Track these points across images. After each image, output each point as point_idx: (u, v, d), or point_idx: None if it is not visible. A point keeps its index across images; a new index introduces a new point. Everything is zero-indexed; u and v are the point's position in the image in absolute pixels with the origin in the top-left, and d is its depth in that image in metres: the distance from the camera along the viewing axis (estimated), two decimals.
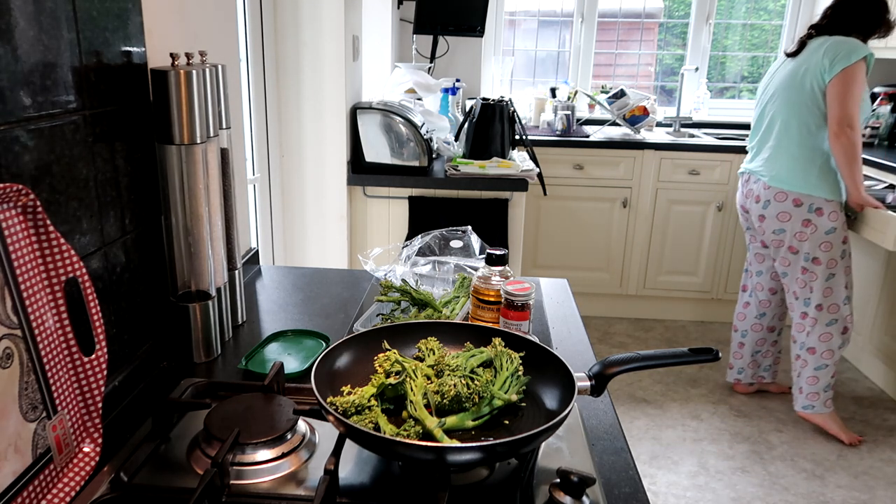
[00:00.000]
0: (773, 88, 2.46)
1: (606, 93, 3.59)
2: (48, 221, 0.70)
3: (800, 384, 2.55)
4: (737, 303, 2.82)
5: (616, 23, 3.89)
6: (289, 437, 0.80)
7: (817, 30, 2.38)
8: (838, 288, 2.42)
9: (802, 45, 2.39)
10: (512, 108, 2.53)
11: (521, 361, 0.85)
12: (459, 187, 2.38)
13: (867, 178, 2.87)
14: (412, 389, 0.80)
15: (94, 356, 0.76)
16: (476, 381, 0.81)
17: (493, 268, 1.09)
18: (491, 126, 2.49)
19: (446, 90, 2.96)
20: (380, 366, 0.83)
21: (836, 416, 2.56)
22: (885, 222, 2.40)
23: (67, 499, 0.72)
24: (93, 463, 0.76)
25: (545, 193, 2.66)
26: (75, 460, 0.76)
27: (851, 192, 2.36)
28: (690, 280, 3.49)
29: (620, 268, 3.49)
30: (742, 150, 3.22)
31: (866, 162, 2.93)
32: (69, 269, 0.73)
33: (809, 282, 2.44)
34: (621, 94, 3.48)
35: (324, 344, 1.12)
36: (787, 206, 2.39)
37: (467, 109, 2.63)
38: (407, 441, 0.72)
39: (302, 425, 0.83)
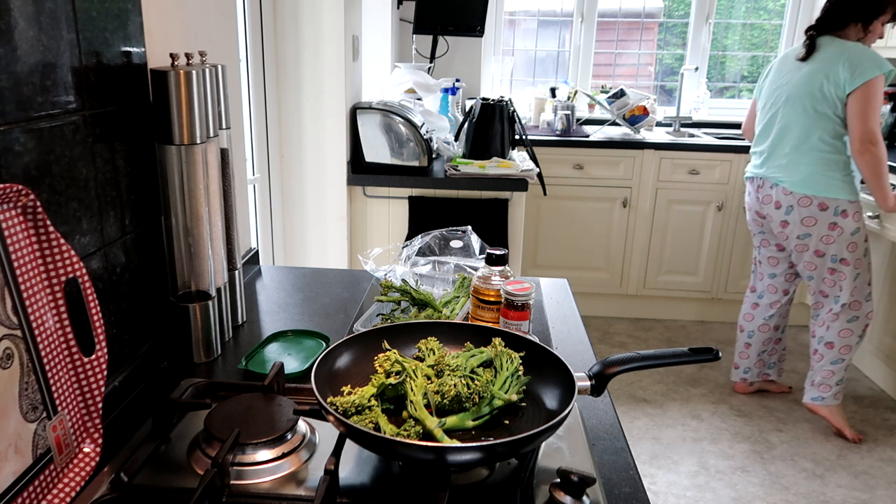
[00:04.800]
0: (787, 94, 2.39)
1: (606, 93, 3.59)
2: (48, 222, 0.70)
3: (814, 377, 2.54)
4: (743, 304, 2.78)
5: (616, 23, 3.89)
6: (289, 437, 0.80)
7: (819, 26, 2.34)
8: (863, 285, 2.43)
9: (811, 47, 2.33)
10: (512, 108, 2.53)
11: (521, 361, 0.85)
12: (459, 187, 2.38)
13: None
14: (412, 389, 0.80)
15: (94, 356, 0.76)
16: (476, 381, 0.81)
17: (493, 268, 1.08)
18: (491, 126, 2.49)
19: (446, 90, 2.95)
20: (380, 366, 0.83)
21: (842, 411, 2.56)
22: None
23: (68, 499, 0.72)
24: (93, 463, 0.76)
25: (545, 193, 2.66)
26: (75, 460, 0.76)
27: (880, 203, 2.34)
28: (690, 280, 3.49)
29: (620, 268, 3.49)
30: (742, 150, 3.23)
31: None
32: (69, 269, 0.73)
33: (839, 281, 2.43)
34: (621, 93, 3.48)
35: (324, 344, 1.12)
36: (813, 211, 2.36)
37: (467, 109, 2.63)
38: (407, 441, 0.72)
39: (302, 425, 0.83)
